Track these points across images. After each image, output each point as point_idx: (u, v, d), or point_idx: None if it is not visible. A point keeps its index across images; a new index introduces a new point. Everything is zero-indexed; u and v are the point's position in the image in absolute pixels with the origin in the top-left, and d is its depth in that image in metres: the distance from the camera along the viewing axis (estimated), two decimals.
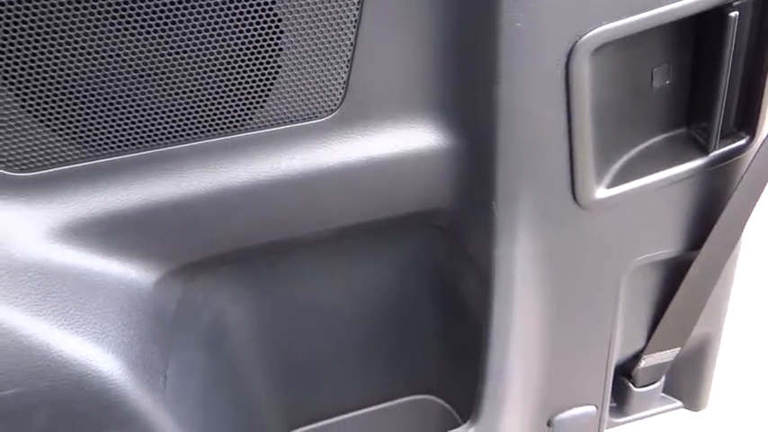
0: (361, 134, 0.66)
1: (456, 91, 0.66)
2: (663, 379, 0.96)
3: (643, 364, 0.89)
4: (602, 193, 0.69)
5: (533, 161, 0.66)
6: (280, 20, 0.57)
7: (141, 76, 0.58)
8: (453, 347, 0.95)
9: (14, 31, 0.52)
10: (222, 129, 0.62)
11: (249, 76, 0.60)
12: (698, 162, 0.71)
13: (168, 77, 0.58)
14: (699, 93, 0.70)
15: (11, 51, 0.53)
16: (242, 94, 0.60)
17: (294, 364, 0.92)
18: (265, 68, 0.60)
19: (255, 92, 0.61)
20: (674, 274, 0.82)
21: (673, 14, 0.61)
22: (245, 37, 0.57)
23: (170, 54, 0.56)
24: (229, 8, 0.55)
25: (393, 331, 0.93)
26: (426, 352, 0.98)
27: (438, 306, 0.92)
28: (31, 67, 0.54)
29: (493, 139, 0.64)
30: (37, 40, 0.53)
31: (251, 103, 0.61)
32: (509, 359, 0.77)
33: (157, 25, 0.55)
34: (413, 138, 0.68)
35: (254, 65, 0.59)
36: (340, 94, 0.63)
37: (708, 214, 0.76)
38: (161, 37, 0.55)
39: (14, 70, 0.54)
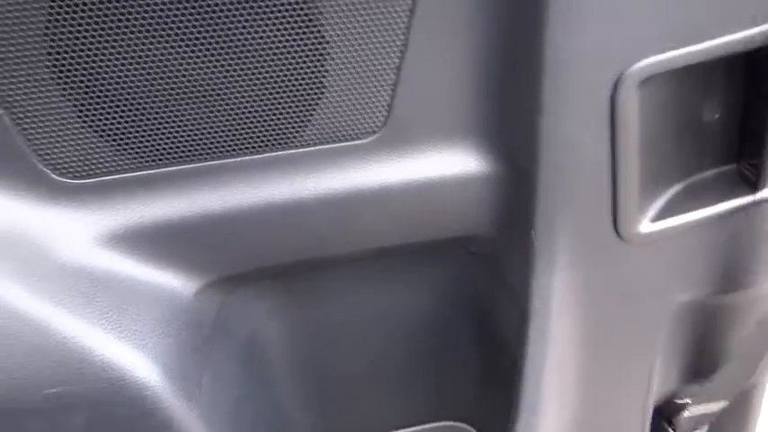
0: (401, 157, 0.67)
1: (498, 118, 0.66)
2: (706, 429, 0.92)
3: (687, 414, 0.87)
4: (645, 227, 0.68)
5: (575, 192, 0.65)
6: (327, 42, 0.59)
7: (194, 92, 0.60)
8: (487, 375, 0.94)
9: (76, 45, 0.55)
10: (267, 146, 0.64)
11: (296, 96, 0.61)
12: (747, 199, 0.69)
13: (221, 94, 0.60)
14: (749, 128, 0.69)
15: (71, 64, 0.55)
16: (288, 112, 0.62)
17: (327, 381, 0.92)
18: (311, 88, 0.61)
19: (301, 111, 0.62)
20: (721, 317, 0.80)
21: (724, 49, 0.60)
22: (293, 57, 0.59)
23: (224, 71, 0.58)
24: (278, 28, 0.57)
25: (426, 355, 0.93)
26: (459, 378, 0.97)
27: (472, 332, 0.91)
28: (90, 80, 0.57)
29: (534, 167, 0.64)
30: (97, 55, 0.56)
31: (296, 122, 0.63)
32: (543, 392, 0.75)
33: (214, 42, 0.57)
34: (453, 163, 0.68)
35: (302, 84, 0.61)
36: (383, 116, 0.64)
37: (757, 254, 0.74)
38: (217, 53, 0.57)
39: (74, 82, 0.56)
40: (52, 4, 0.52)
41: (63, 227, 0.63)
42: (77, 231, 0.64)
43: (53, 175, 0.61)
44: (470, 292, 0.86)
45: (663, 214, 0.69)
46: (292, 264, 0.72)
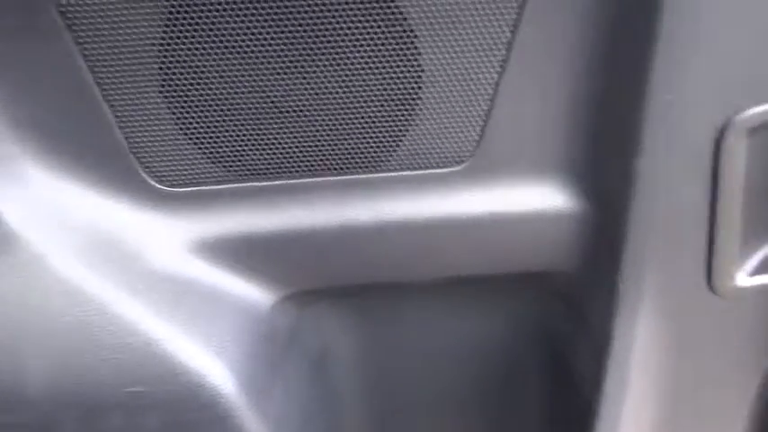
0: (487, 187, 0.66)
1: (592, 156, 0.64)
2: None
3: None
4: (741, 281, 0.64)
5: (668, 239, 0.62)
6: (422, 69, 0.59)
7: (289, 111, 0.61)
8: (556, 416, 0.91)
9: (184, 64, 0.57)
10: (355, 167, 0.64)
11: (387, 120, 0.62)
12: None
13: (314, 114, 0.61)
14: None
15: (179, 82, 0.58)
16: (378, 136, 0.63)
17: (391, 405, 0.92)
18: (403, 114, 0.61)
19: (391, 135, 0.63)
20: None
21: None
22: (388, 80, 0.59)
23: (318, 92, 0.60)
24: (374, 50, 0.57)
25: (495, 388, 0.91)
26: (527, 415, 0.94)
27: (545, 370, 0.88)
28: (194, 97, 0.59)
29: (626, 210, 0.62)
30: (203, 73, 0.58)
31: (385, 147, 0.63)
32: None
33: (310, 62, 0.58)
34: (540, 197, 0.67)
35: (394, 109, 0.61)
36: (472, 145, 0.64)
37: None
38: (313, 73, 0.59)
39: (180, 98, 0.59)
40: (167, 24, 0.55)
41: (156, 232, 0.66)
42: (169, 237, 0.66)
43: (151, 182, 0.64)
44: (546, 329, 0.84)
45: (762, 269, 0.65)
46: (368, 285, 0.72)
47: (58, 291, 0.62)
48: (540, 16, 0.56)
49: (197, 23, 0.55)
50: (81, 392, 0.62)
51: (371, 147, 0.63)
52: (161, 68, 0.58)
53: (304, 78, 0.59)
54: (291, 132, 0.62)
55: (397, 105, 0.61)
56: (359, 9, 0.55)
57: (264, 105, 0.60)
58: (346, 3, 0.55)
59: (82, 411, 0.62)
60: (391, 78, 0.59)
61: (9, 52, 0.55)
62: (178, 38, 0.56)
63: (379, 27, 0.56)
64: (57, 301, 0.62)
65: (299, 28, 0.56)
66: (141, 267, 0.66)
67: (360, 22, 0.56)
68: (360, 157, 0.64)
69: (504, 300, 0.81)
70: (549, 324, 0.83)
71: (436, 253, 0.69)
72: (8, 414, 0.62)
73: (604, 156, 0.63)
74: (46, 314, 0.61)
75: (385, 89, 0.60)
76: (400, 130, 0.63)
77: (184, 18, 0.55)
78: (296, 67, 0.58)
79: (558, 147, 0.64)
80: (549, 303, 0.79)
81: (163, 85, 0.59)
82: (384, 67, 0.59)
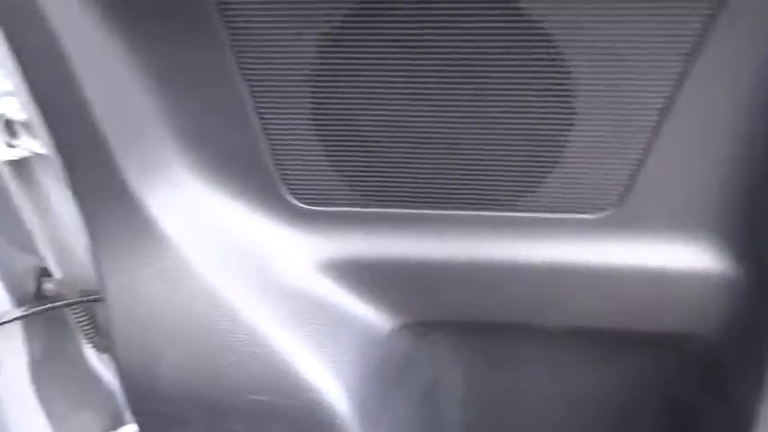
0: (629, 239, 0.63)
1: (747, 218, 0.60)
2: None
3: None
4: None
5: None
6: (576, 112, 0.57)
7: (432, 143, 0.61)
8: None
9: (334, 96, 0.59)
10: (493, 205, 0.64)
11: (533, 159, 0.60)
12: None
13: (458, 150, 0.61)
14: None
15: (328, 112, 0.60)
16: (521, 174, 0.61)
17: None
18: (550, 153, 0.60)
19: (534, 175, 0.61)
20: None
21: None
22: (537, 120, 0.58)
23: (465, 129, 0.59)
24: (528, 86, 0.56)
25: None
26: None
27: None
28: (340, 121, 0.61)
29: None
30: (351, 107, 0.59)
31: (526, 186, 0.62)
32: None
33: (459, 98, 0.58)
34: (686, 255, 0.63)
35: (541, 147, 0.59)
36: (618, 193, 0.61)
37: None
38: (462, 110, 0.59)
39: (325, 120, 0.61)
40: (321, 54, 0.57)
41: (290, 247, 0.68)
42: (301, 254, 0.69)
43: (291, 199, 0.67)
44: (676, 395, 0.78)
45: None
46: (489, 323, 0.71)
47: (199, 295, 0.65)
48: (715, 63, 0.53)
49: (349, 57, 0.57)
50: (209, 394, 0.65)
51: (512, 185, 0.62)
52: (313, 96, 0.60)
53: (451, 113, 0.59)
54: (432, 164, 0.62)
55: (544, 145, 0.59)
56: (514, 45, 0.54)
57: (408, 137, 0.61)
58: (501, 39, 0.54)
59: (209, 411, 0.65)
60: (541, 117, 0.58)
61: (179, 59, 0.58)
62: (330, 69, 0.58)
63: (533, 65, 0.55)
64: (196, 304, 0.65)
65: (450, 64, 0.56)
66: (272, 280, 0.68)
67: (514, 58, 0.55)
68: (499, 195, 0.63)
69: (632, 356, 0.77)
70: (679, 390, 0.77)
71: (565, 300, 0.67)
72: (145, 402, 0.66)
73: (760, 216, 0.59)
74: (186, 317, 0.65)
75: (533, 128, 0.58)
76: (544, 171, 0.61)
77: (337, 50, 0.56)
78: (444, 102, 0.58)
79: (713, 204, 0.60)
80: (683, 368, 0.74)
81: (313, 112, 0.61)
82: (535, 106, 0.57)
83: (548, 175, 0.61)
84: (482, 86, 0.57)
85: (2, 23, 0.56)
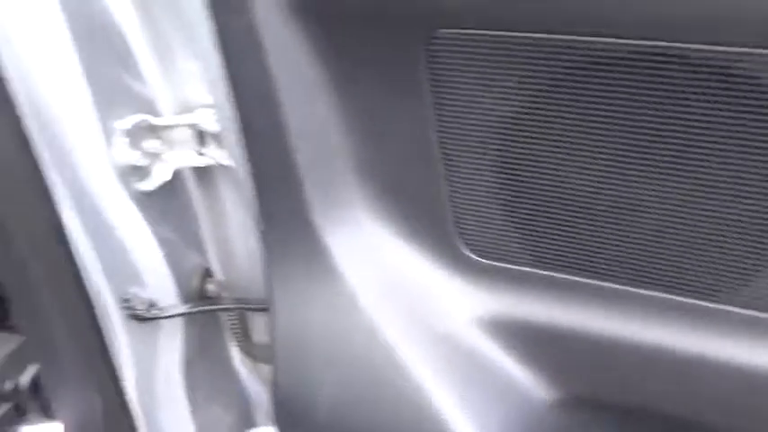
0: None
1: None
2: None
3: None
4: None
5: None
6: None
7: (623, 216, 0.57)
8: None
9: (518, 152, 0.56)
10: (690, 291, 0.57)
11: (746, 248, 0.53)
12: None
13: (657, 223, 0.56)
14: None
15: (511, 165, 0.57)
16: (728, 263, 0.55)
17: None
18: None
19: (746, 267, 0.54)
20: None
21: None
22: (754, 201, 0.51)
23: (668, 200, 0.54)
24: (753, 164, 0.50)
25: None
26: None
27: None
28: (525, 182, 0.58)
29: None
30: (539, 164, 0.56)
31: (733, 277, 0.55)
32: None
33: (664, 170, 0.53)
34: None
35: (758, 236, 0.52)
36: None
37: None
38: (665, 179, 0.53)
39: (510, 179, 0.59)
40: (513, 121, 0.55)
41: (457, 298, 0.66)
42: (468, 305, 0.66)
43: (464, 250, 0.65)
44: None
45: None
46: (651, 413, 0.65)
47: (361, 329, 0.65)
48: None
49: (544, 121, 0.54)
50: (356, 429, 0.65)
51: (716, 274, 0.56)
52: (501, 154, 0.58)
53: (654, 187, 0.54)
54: (623, 238, 0.58)
55: (762, 234, 0.52)
56: (742, 117, 0.48)
57: (599, 206, 0.57)
58: (726, 110, 0.48)
59: None
60: (755, 198, 0.51)
61: (380, 105, 0.59)
62: (523, 131, 0.56)
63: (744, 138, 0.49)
64: (358, 337, 0.65)
65: (662, 134, 0.51)
66: (434, 327, 0.67)
67: (744, 134, 0.49)
68: (698, 283, 0.57)
69: None
70: None
71: (747, 406, 0.59)
72: (296, 428, 0.68)
73: None
74: (346, 347, 0.65)
75: (753, 214, 0.52)
76: (759, 264, 0.54)
77: (533, 114, 0.54)
78: (647, 175, 0.54)
79: None
80: None
81: (500, 170, 0.59)
82: (759, 185, 0.50)
83: (762, 268, 0.54)
84: (698, 162, 0.52)
85: (223, 49, 0.59)
